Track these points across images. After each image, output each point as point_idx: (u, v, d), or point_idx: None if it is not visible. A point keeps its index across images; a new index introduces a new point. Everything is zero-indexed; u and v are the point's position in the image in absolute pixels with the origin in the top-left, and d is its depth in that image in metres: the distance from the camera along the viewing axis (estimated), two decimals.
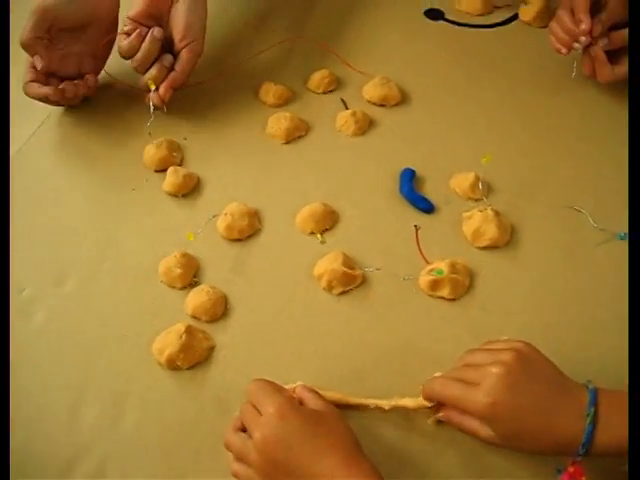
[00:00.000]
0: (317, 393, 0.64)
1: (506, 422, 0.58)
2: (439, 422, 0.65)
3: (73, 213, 0.85)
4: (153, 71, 0.89)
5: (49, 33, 0.87)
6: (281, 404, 0.59)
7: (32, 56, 0.88)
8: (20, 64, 0.90)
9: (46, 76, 0.90)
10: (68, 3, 0.88)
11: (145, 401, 0.69)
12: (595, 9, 0.89)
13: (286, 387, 0.66)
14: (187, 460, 0.65)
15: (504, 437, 0.59)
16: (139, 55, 0.89)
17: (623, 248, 0.78)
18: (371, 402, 0.66)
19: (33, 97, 0.90)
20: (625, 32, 0.87)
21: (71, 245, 0.81)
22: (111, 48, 0.94)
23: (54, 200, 0.86)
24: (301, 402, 0.63)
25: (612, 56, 0.90)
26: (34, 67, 0.89)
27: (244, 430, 0.61)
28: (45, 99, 0.90)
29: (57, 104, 0.93)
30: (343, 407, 0.66)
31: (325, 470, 0.56)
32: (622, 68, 0.89)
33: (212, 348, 0.72)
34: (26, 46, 0.87)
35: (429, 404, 0.64)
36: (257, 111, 0.95)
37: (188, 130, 0.93)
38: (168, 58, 0.90)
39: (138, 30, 0.89)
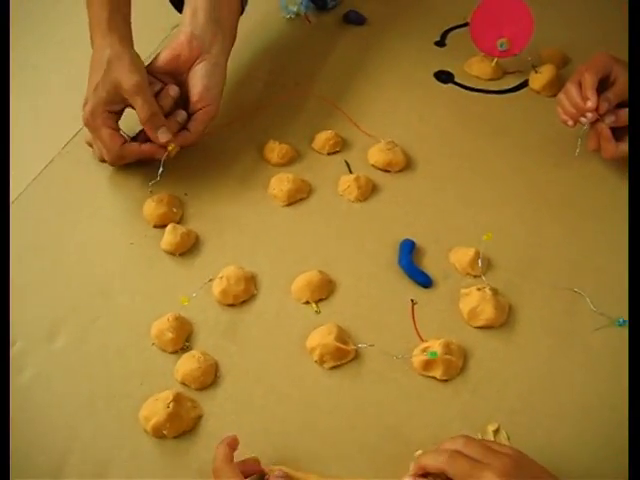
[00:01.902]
0: None
1: None
2: None
3: (69, 265, 0.84)
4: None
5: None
6: None
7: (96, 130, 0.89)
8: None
9: None
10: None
11: (128, 469, 0.68)
12: (604, 86, 0.90)
13: (266, 469, 0.66)
14: None
15: None
16: None
17: (621, 335, 0.77)
18: None
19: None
20: None
21: (65, 299, 0.81)
22: None
23: (50, 251, 0.86)
24: None
25: (617, 132, 0.89)
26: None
27: None
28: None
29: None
30: None
31: None
32: (626, 145, 0.89)
33: (199, 417, 0.71)
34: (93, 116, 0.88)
35: None
36: (261, 169, 0.95)
37: (190, 185, 0.93)
38: (182, 115, 0.91)
39: (151, 85, 0.89)
